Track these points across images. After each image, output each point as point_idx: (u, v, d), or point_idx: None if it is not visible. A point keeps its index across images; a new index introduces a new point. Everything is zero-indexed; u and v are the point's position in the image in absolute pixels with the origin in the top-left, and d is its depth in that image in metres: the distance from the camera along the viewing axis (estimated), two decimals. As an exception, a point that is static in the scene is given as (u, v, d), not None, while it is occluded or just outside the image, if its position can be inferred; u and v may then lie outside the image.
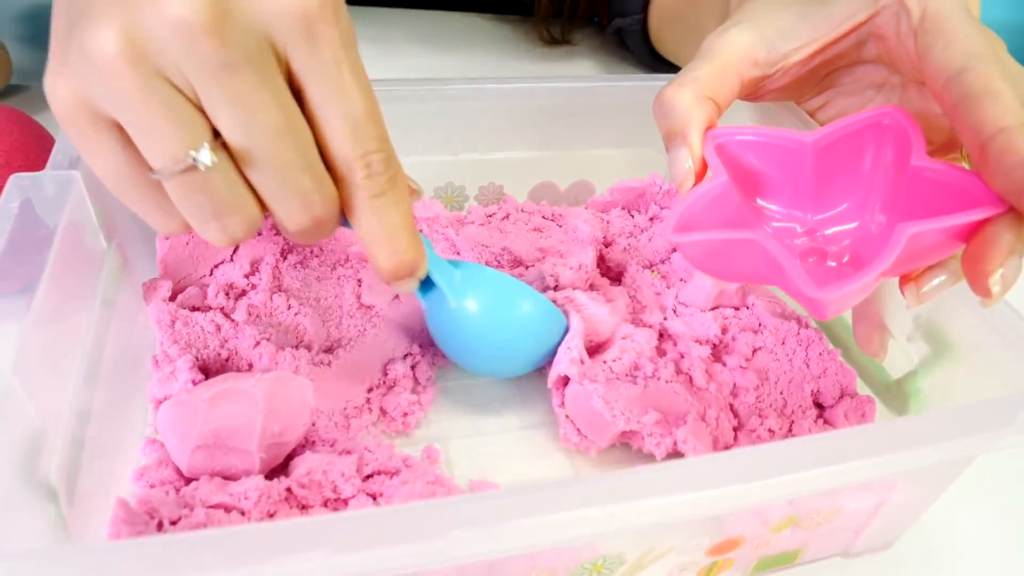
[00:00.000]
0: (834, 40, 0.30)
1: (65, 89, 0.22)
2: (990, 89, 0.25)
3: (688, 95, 0.29)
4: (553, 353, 0.34)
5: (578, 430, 0.33)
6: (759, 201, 0.31)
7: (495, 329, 0.33)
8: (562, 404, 0.34)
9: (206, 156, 0.22)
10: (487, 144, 0.40)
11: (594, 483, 0.22)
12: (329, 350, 0.35)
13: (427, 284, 0.31)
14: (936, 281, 0.26)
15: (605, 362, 0.34)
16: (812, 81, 0.33)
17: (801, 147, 0.29)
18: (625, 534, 0.26)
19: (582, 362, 0.33)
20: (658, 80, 0.63)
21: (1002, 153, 0.24)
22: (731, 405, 0.34)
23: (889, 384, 0.35)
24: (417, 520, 0.20)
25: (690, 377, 0.34)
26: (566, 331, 0.34)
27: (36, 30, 0.59)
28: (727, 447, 0.33)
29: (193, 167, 0.22)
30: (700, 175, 0.28)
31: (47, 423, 0.24)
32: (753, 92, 0.32)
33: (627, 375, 0.34)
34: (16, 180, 0.28)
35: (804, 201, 0.30)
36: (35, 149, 0.36)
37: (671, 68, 0.63)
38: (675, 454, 0.32)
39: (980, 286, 0.24)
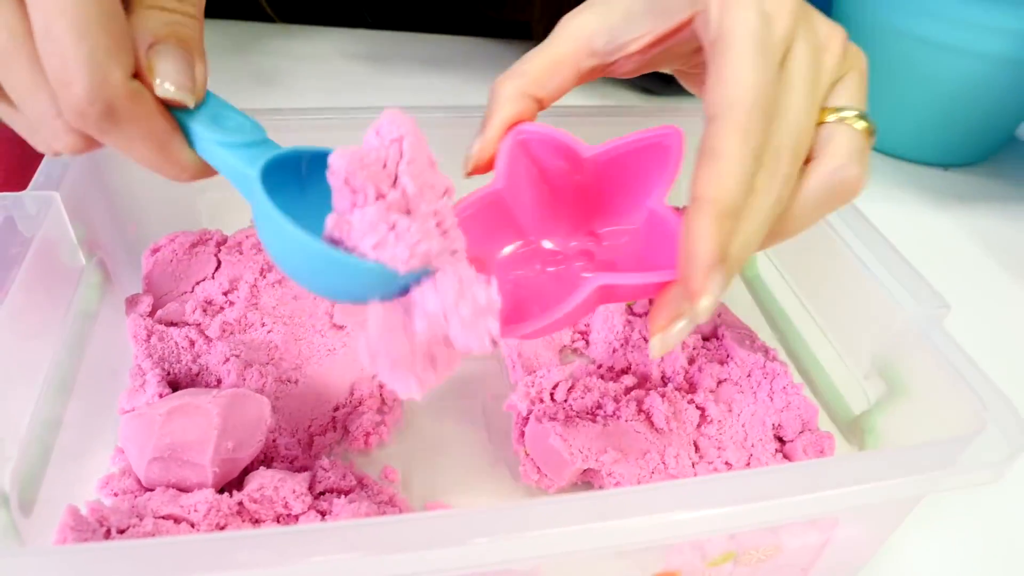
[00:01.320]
0: (664, 35, 0.28)
1: None
2: (716, 150, 0.23)
3: (510, 88, 0.28)
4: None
5: (537, 468, 0.33)
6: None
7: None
8: (521, 440, 0.34)
9: None
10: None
11: (534, 507, 0.23)
12: (297, 368, 0.36)
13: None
14: (679, 327, 0.24)
15: (566, 400, 0.35)
16: (681, 56, 0.30)
17: (578, 160, 0.29)
18: (564, 563, 0.27)
19: (541, 400, 0.34)
20: (653, 104, 0.63)
21: (685, 219, 0.23)
22: (695, 440, 0.34)
23: (849, 420, 0.35)
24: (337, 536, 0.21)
25: (650, 418, 0.34)
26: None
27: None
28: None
29: None
30: (486, 166, 0.29)
31: (3, 432, 0.26)
32: (600, 75, 0.30)
33: (588, 413, 0.34)
34: (-3, 199, 0.30)
35: (588, 208, 0.30)
36: (29, 165, 0.38)
37: (666, 87, 0.63)
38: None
39: (649, 341, 0.25)
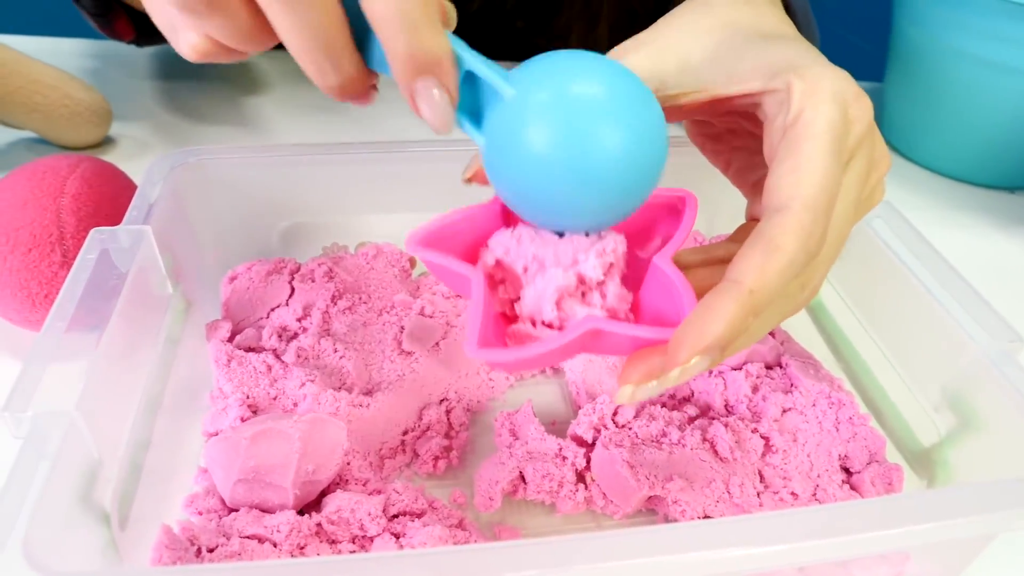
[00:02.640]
0: (725, 97, 0.27)
1: None
2: (774, 243, 0.23)
3: None
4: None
5: (604, 494, 0.34)
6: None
7: (575, 121, 0.23)
8: (587, 468, 0.34)
9: None
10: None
11: (605, 539, 0.23)
12: (369, 393, 0.37)
13: (475, 117, 0.26)
14: (651, 385, 0.24)
15: (630, 428, 0.35)
16: (718, 112, 0.29)
17: None
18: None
19: (605, 427, 0.34)
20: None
21: (713, 294, 0.23)
22: (759, 470, 0.35)
23: (919, 452, 0.34)
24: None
25: (715, 447, 0.35)
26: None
27: (130, 74, 0.65)
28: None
29: None
30: (485, 179, 0.27)
31: (104, 453, 0.27)
32: None
33: (653, 441, 0.35)
34: (95, 234, 0.32)
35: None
36: (123, 200, 0.40)
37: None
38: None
39: (619, 387, 0.24)
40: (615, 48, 0.29)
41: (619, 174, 0.24)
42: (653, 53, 0.28)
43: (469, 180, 0.29)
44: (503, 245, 0.27)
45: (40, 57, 0.53)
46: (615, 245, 0.26)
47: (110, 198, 0.40)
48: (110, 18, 0.54)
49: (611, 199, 0.24)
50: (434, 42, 0.24)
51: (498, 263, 0.27)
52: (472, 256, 0.28)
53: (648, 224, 0.29)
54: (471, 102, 0.26)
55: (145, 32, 0.55)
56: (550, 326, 0.26)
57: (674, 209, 0.28)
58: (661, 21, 0.30)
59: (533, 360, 0.25)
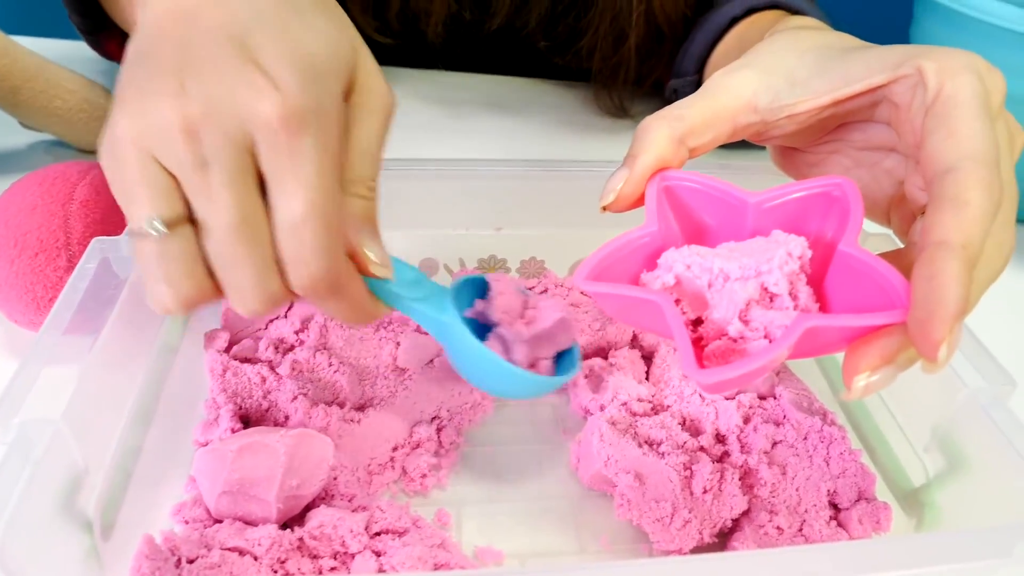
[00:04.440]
0: (846, 98, 0.28)
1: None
2: (961, 198, 0.23)
3: (664, 130, 0.28)
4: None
5: (578, 457, 0.36)
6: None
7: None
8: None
9: (159, 226, 0.24)
10: (530, 220, 0.43)
11: (585, 570, 0.23)
12: (361, 408, 0.38)
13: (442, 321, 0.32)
14: (889, 371, 0.24)
15: (635, 417, 0.37)
16: (821, 131, 0.31)
17: (742, 205, 0.28)
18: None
19: (613, 401, 0.38)
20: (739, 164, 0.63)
21: (928, 264, 0.23)
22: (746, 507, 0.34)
23: (908, 492, 0.34)
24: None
25: (691, 479, 0.34)
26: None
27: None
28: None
29: (151, 234, 0.25)
30: (628, 204, 0.28)
31: (90, 462, 0.28)
32: (753, 136, 0.31)
33: (645, 442, 0.35)
34: (97, 243, 0.33)
35: None
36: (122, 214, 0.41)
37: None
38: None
39: (849, 381, 0.24)
40: (717, 72, 0.30)
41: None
42: (761, 72, 0.29)
43: (607, 208, 0.29)
44: (682, 262, 0.27)
45: (61, 61, 0.54)
46: (801, 250, 0.26)
47: (118, 206, 0.40)
48: (99, 38, 0.55)
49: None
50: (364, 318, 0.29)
51: (678, 281, 0.27)
52: (636, 282, 0.28)
53: (802, 217, 0.28)
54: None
55: None
56: (740, 338, 0.26)
57: (829, 197, 0.28)
58: (756, 48, 0.31)
59: (756, 372, 0.25)
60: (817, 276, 0.27)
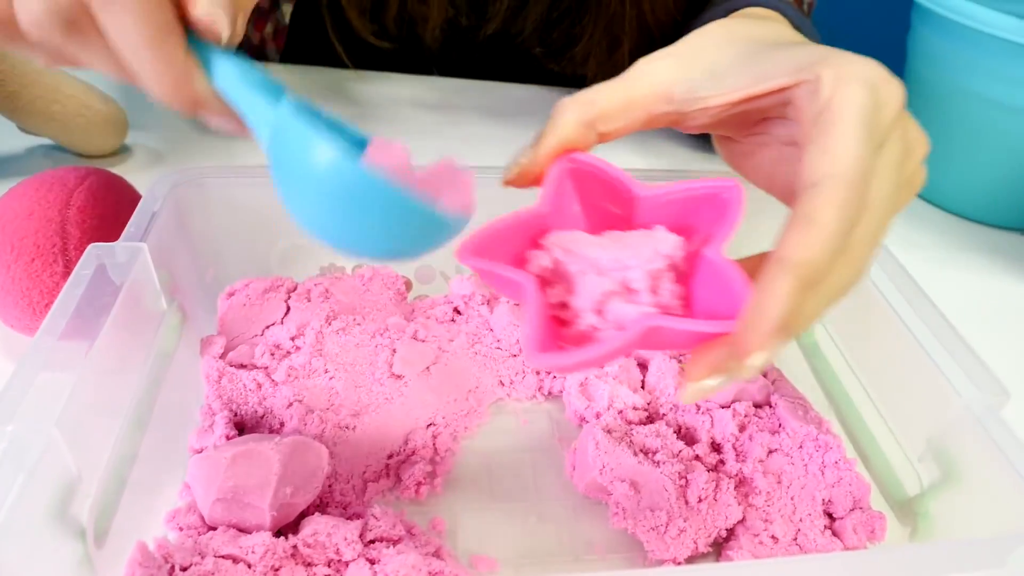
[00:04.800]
0: (755, 96, 0.28)
1: None
2: (811, 217, 0.23)
3: (573, 113, 0.28)
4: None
5: (573, 465, 0.36)
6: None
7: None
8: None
9: None
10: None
11: None
12: (356, 415, 0.38)
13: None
14: (718, 380, 0.24)
15: (630, 426, 0.37)
16: (745, 123, 0.30)
17: (633, 198, 0.28)
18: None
19: (608, 409, 0.37)
20: (708, 169, 0.63)
21: (762, 277, 0.23)
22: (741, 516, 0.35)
23: (903, 501, 0.34)
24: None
25: (685, 490, 0.35)
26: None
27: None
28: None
29: None
30: (528, 181, 0.28)
31: (84, 470, 0.28)
32: (670, 125, 0.31)
33: (640, 451, 0.35)
34: (92, 249, 0.33)
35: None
36: (128, 214, 0.40)
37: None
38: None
39: (681, 386, 0.24)
40: (640, 59, 0.30)
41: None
42: (681, 62, 0.29)
43: (509, 183, 0.29)
44: (560, 246, 0.27)
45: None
46: (671, 250, 0.26)
47: (115, 211, 0.40)
48: None
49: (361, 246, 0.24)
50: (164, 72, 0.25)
51: (555, 264, 0.27)
52: (523, 261, 0.28)
53: (691, 216, 0.29)
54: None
55: None
56: (593, 328, 0.26)
57: (718, 199, 0.28)
58: (685, 37, 0.31)
59: (592, 362, 0.25)
60: (694, 276, 0.27)
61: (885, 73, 0.26)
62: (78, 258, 0.37)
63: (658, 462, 0.35)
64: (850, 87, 0.25)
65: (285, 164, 0.24)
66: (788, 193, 0.31)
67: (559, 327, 0.27)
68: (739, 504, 0.34)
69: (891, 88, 0.26)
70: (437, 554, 0.32)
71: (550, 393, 0.41)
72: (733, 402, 0.38)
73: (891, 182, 0.26)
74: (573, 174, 0.29)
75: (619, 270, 0.26)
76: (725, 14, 0.55)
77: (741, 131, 0.31)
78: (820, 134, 0.25)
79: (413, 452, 0.37)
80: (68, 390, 0.28)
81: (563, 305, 0.27)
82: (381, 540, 0.32)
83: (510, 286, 0.27)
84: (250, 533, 0.31)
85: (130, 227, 0.34)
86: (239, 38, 0.27)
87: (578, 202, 0.29)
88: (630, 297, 0.26)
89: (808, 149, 0.25)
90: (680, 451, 0.36)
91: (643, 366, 0.41)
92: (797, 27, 0.47)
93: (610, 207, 0.29)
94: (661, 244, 0.27)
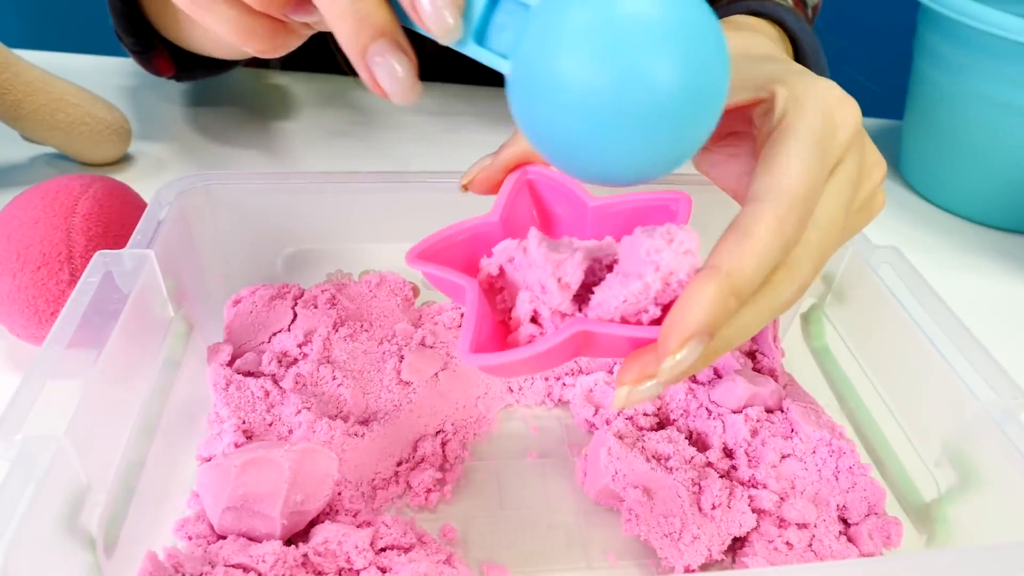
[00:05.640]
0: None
1: None
2: (747, 229, 0.23)
3: None
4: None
5: (585, 471, 0.36)
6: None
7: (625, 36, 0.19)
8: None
9: None
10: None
11: None
12: (365, 422, 0.37)
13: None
14: (647, 386, 0.24)
15: (641, 432, 0.37)
16: (715, 135, 0.29)
17: (584, 208, 0.29)
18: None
19: (618, 415, 0.37)
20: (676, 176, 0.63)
21: (688, 285, 0.23)
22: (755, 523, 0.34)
23: (919, 506, 0.34)
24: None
25: (699, 497, 0.34)
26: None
27: (146, 91, 0.66)
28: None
29: None
30: (485, 188, 0.30)
31: (93, 478, 0.27)
32: None
33: (653, 457, 0.35)
34: (99, 256, 0.32)
35: None
36: (134, 222, 0.40)
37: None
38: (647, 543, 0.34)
39: (615, 391, 0.24)
40: None
41: (677, 104, 0.19)
42: None
43: (466, 187, 0.30)
44: (507, 254, 0.28)
45: (64, 75, 0.54)
46: (611, 260, 0.26)
47: (121, 219, 0.40)
48: (150, 56, 0.55)
49: (664, 137, 0.20)
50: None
51: (501, 271, 0.28)
52: (475, 268, 0.29)
53: (641, 225, 0.28)
54: (488, 17, 0.22)
55: (185, 68, 0.56)
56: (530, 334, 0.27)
57: (667, 211, 0.28)
58: None
59: (522, 364, 0.25)
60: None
61: (840, 93, 0.26)
62: (84, 266, 0.37)
63: (671, 468, 0.35)
64: (802, 108, 0.25)
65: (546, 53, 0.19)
66: None
67: (507, 333, 0.28)
68: (753, 511, 0.34)
69: (846, 111, 0.26)
70: (448, 562, 0.32)
71: (560, 400, 0.41)
72: (745, 407, 0.38)
73: (840, 205, 0.26)
74: (530, 185, 0.30)
75: (549, 277, 0.26)
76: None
77: (713, 141, 0.31)
78: (770, 153, 0.25)
79: (422, 459, 0.37)
80: (76, 399, 0.28)
81: (511, 310, 0.28)
82: (392, 548, 0.32)
83: (455, 289, 0.28)
84: (260, 542, 0.30)
85: (136, 234, 0.34)
86: None
87: (536, 212, 0.30)
88: (565, 306, 0.26)
89: (758, 167, 0.25)
90: (692, 457, 0.36)
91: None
92: (794, 35, 0.47)
93: (563, 217, 0.30)
94: (594, 249, 0.27)
